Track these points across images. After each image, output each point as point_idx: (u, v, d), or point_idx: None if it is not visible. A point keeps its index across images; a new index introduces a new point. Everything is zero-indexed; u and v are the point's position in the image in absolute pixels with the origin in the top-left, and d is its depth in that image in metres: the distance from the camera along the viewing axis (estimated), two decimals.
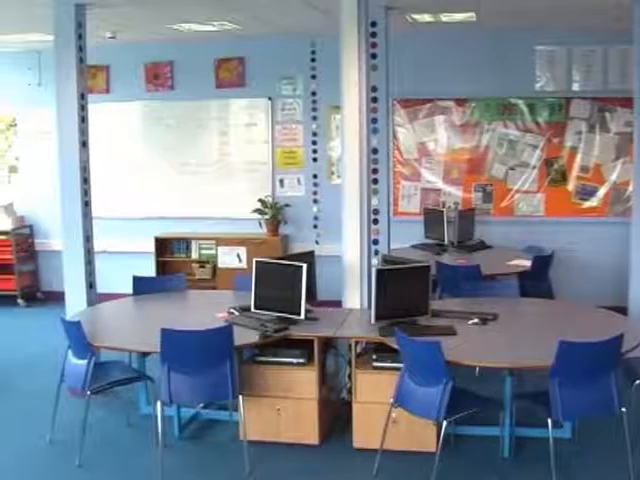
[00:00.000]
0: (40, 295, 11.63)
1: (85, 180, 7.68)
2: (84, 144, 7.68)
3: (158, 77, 10.90)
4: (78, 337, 6.14)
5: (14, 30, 9.23)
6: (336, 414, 6.66)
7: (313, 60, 10.37)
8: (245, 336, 6.13)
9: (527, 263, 8.51)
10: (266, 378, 6.32)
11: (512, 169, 10.13)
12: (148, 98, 10.96)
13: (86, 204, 7.69)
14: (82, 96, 7.65)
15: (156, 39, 10.25)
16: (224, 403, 6.64)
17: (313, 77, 10.42)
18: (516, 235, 9.89)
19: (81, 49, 7.61)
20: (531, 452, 6.12)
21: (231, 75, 10.68)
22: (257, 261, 6.67)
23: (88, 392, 6.14)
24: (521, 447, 6.18)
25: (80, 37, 7.59)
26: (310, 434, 6.34)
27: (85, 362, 6.14)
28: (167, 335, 5.75)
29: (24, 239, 11.55)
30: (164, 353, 5.79)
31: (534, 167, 10.05)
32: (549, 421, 5.36)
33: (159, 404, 5.90)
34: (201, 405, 6.90)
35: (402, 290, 6.30)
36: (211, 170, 10.87)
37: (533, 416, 5.81)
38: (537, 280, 8.43)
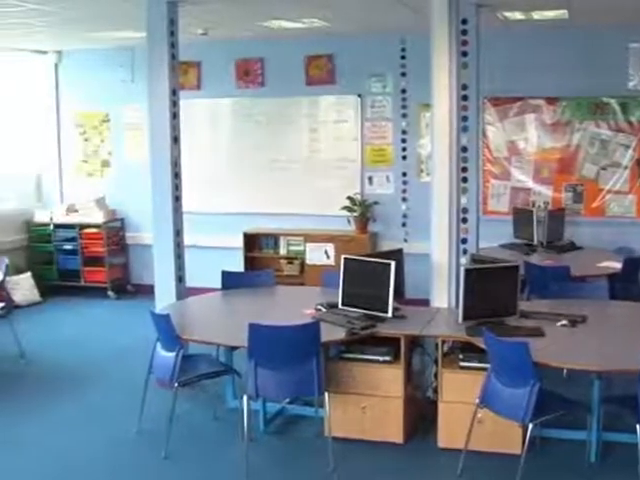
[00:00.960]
0: (130, 288, 11.81)
1: (176, 175, 7.77)
2: (175, 140, 7.76)
3: (248, 74, 10.97)
4: (167, 330, 6.22)
5: (108, 28, 9.38)
6: (421, 413, 6.63)
7: (403, 57, 10.34)
8: (332, 333, 6.15)
9: (617, 265, 8.37)
10: (352, 375, 6.32)
11: (603, 169, 9.96)
12: (238, 95, 11.05)
13: (177, 199, 7.78)
14: (174, 92, 7.74)
15: (247, 36, 10.32)
16: (310, 399, 6.67)
17: (403, 75, 10.39)
18: (607, 236, 9.72)
19: (173, 46, 7.70)
20: (618, 458, 6.01)
21: (321, 72, 10.70)
22: (345, 258, 6.68)
23: (176, 384, 6.21)
24: (608, 452, 6.08)
25: (172, 34, 7.68)
26: (395, 433, 6.33)
27: (173, 355, 6.21)
28: (255, 330, 5.78)
29: (115, 232, 11.73)
30: (251, 348, 5.83)
31: (626, 167, 9.87)
32: (637, 426, 5.27)
33: (245, 398, 5.95)
34: (287, 400, 6.94)
35: (490, 290, 6.25)
36: (300, 167, 10.91)
37: (621, 421, 5.72)
38: (627, 282, 8.27)
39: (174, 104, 7.75)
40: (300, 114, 10.87)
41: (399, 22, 9.19)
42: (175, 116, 7.77)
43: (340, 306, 6.61)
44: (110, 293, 11.49)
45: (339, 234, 10.51)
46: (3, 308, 8.82)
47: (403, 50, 10.32)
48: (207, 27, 9.41)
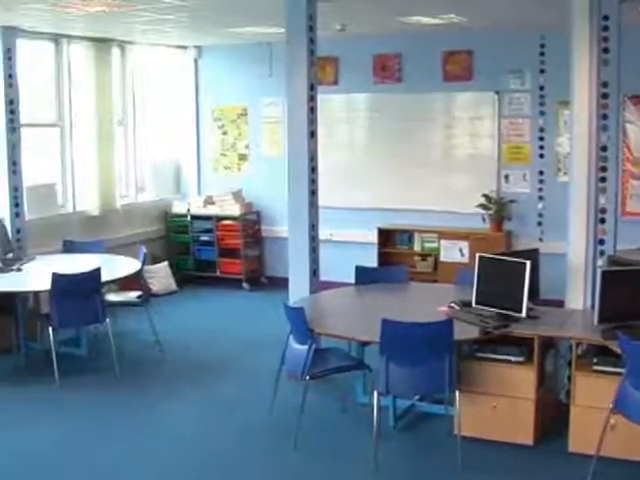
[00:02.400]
0: (264, 280, 11.96)
1: (312, 169, 7.82)
2: (312, 134, 7.82)
3: (386, 69, 10.98)
4: (300, 323, 6.29)
5: (247, 23, 9.51)
6: (552, 415, 6.53)
7: (542, 54, 10.18)
8: (465, 331, 6.13)
9: None
10: (483, 374, 6.28)
11: None
12: (375, 90, 11.06)
13: (312, 193, 7.84)
14: (311, 87, 7.80)
15: (384, 31, 10.33)
16: (440, 397, 6.64)
17: (542, 71, 10.24)
18: None
19: (312, 41, 7.76)
20: None
21: (458, 68, 10.63)
22: (480, 256, 6.64)
23: (307, 377, 6.28)
24: None
25: (311, 29, 7.74)
26: (525, 434, 6.26)
27: (306, 348, 6.27)
28: (388, 326, 5.80)
29: (251, 225, 11.90)
30: (384, 344, 5.85)
31: None
32: None
33: (376, 394, 5.98)
34: (417, 397, 6.93)
35: (628, 293, 6.12)
36: (435, 163, 10.86)
37: None
38: None
39: (312, 99, 7.80)
40: (436, 110, 10.82)
41: (539, 19, 9.07)
42: (312, 111, 7.82)
43: (474, 304, 6.57)
44: (244, 285, 11.66)
45: (474, 232, 10.43)
46: (140, 296, 9.04)
47: (542, 46, 10.16)
48: (345, 23, 9.46)
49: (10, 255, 9.13)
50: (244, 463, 6.12)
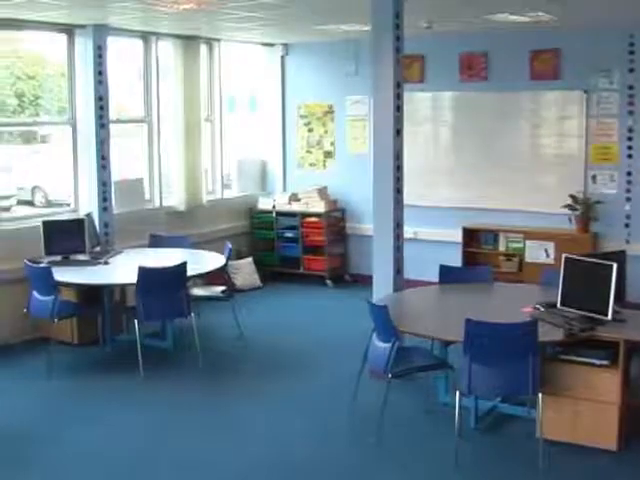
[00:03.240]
0: (347, 277, 11.98)
1: (398, 167, 7.82)
2: (398, 132, 7.81)
3: (472, 67, 10.91)
4: (384, 321, 6.29)
5: (334, 21, 9.53)
6: (637, 421, 6.44)
7: (631, 53, 10.01)
8: (549, 333, 6.06)
9: None
10: (567, 377, 6.20)
11: None
12: (461, 88, 11.00)
13: (398, 191, 7.83)
14: (398, 85, 7.79)
15: (471, 29, 10.27)
16: (522, 399, 6.59)
17: (631, 71, 10.06)
18: None
19: (398, 39, 7.75)
20: None
21: (546, 67, 10.50)
22: (566, 257, 6.56)
23: (389, 375, 6.28)
24: None
25: (397, 27, 7.73)
26: (608, 439, 6.17)
27: (389, 346, 6.27)
28: (471, 326, 5.78)
29: (336, 222, 11.92)
30: (467, 343, 5.83)
31: None
32: None
33: (458, 394, 5.96)
34: (499, 398, 6.89)
35: None
36: (521, 162, 10.75)
37: None
38: None
39: (398, 97, 7.80)
40: (522, 109, 10.71)
41: (628, 17, 8.93)
42: (399, 109, 7.82)
43: (559, 306, 6.50)
44: (328, 282, 11.70)
45: (559, 232, 10.30)
46: (225, 291, 9.14)
47: (631, 45, 9.98)
48: (431, 20, 9.42)
49: (98, 249, 9.31)
50: (324, 460, 6.14)
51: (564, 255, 6.62)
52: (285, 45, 12.23)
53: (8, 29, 9.40)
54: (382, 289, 7.72)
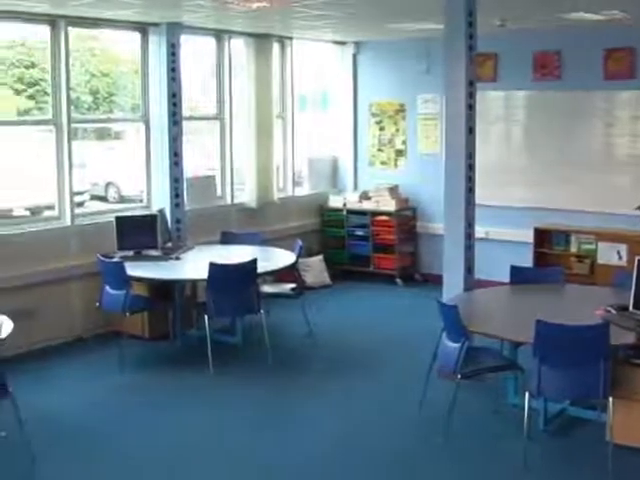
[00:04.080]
0: (418, 276, 11.94)
1: (470, 167, 7.77)
2: (470, 131, 7.77)
3: (545, 66, 10.79)
4: (454, 321, 6.26)
5: (407, 19, 9.50)
6: None
7: None
8: (621, 336, 5.97)
9: None
10: (638, 381, 6.12)
11: None
12: (534, 87, 10.89)
13: (469, 190, 7.78)
14: (470, 84, 7.75)
15: (544, 28, 10.16)
16: (592, 402, 6.52)
17: None
18: None
19: (471, 37, 7.70)
20: None
21: (620, 66, 10.34)
22: (639, 260, 6.47)
23: (458, 375, 6.25)
24: None
25: (470, 25, 7.68)
26: None
27: (458, 346, 6.25)
28: (542, 327, 5.73)
29: (407, 221, 11.89)
30: (537, 345, 5.78)
31: None
32: None
33: (527, 396, 5.91)
34: (568, 401, 6.82)
35: None
36: (594, 163, 10.61)
37: None
38: None
39: (470, 95, 7.75)
40: (596, 109, 10.56)
41: None
42: (471, 107, 7.77)
43: (631, 309, 6.40)
44: (398, 280, 11.67)
45: (632, 234, 10.12)
46: (295, 289, 9.17)
47: None
48: (505, 18, 9.35)
49: (169, 244, 9.40)
50: (390, 459, 6.14)
51: (637, 257, 6.52)
52: (357, 43, 12.23)
53: (83, 27, 9.55)
54: (452, 289, 7.69)
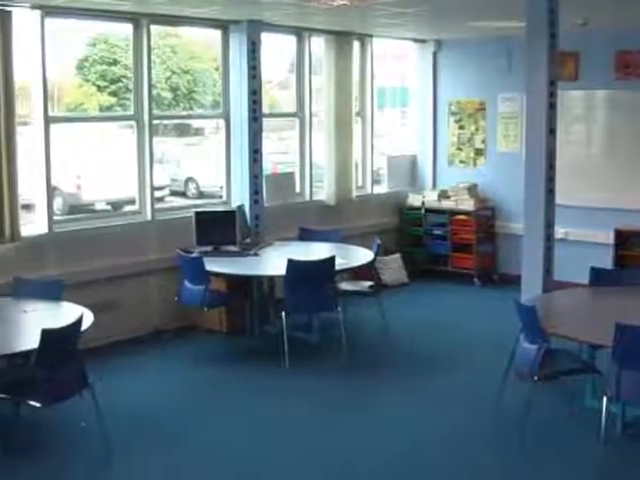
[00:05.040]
0: (495, 277, 11.85)
1: (550, 167, 7.70)
2: (551, 131, 7.69)
3: (628, 66, 10.62)
4: (532, 322, 6.20)
5: (488, 17, 9.43)
6: None
7: None
8: None
9: None
10: None
11: None
12: (616, 87, 10.72)
13: (550, 191, 7.71)
14: (552, 83, 7.67)
15: (627, 26, 10.00)
16: None
17: None
18: None
19: (552, 36, 7.63)
20: None
21: None
22: None
23: (535, 377, 6.20)
24: None
25: (552, 24, 7.60)
26: None
27: (536, 347, 6.19)
28: (622, 330, 5.64)
29: (485, 221, 11.80)
30: (617, 348, 5.69)
31: None
32: None
33: (605, 399, 5.83)
34: None
35: None
36: None
37: None
38: None
39: (551, 95, 7.67)
40: None
41: None
42: (552, 107, 7.69)
43: None
44: (476, 280, 11.60)
45: None
46: (372, 287, 9.17)
47: None
48: (587, 17, 9.23)
49: (248, 240, 9.46)
50: (465, 460, 6.11)
51: None
52: (437, 41, 12.17)
53: (165, 25, 9.66)
54: (531, 289, 7.62)
